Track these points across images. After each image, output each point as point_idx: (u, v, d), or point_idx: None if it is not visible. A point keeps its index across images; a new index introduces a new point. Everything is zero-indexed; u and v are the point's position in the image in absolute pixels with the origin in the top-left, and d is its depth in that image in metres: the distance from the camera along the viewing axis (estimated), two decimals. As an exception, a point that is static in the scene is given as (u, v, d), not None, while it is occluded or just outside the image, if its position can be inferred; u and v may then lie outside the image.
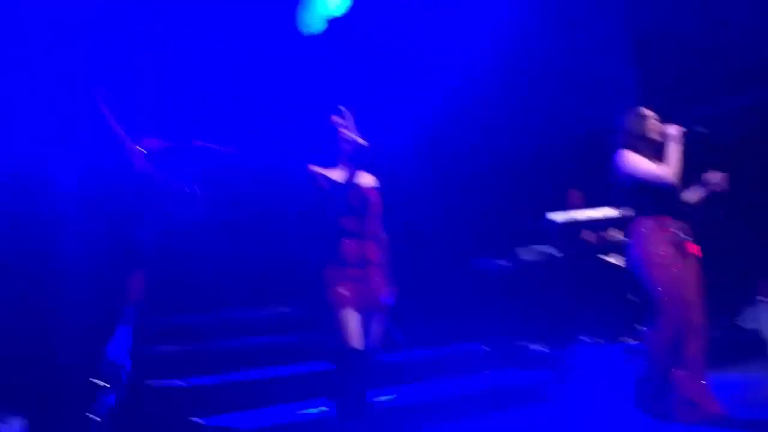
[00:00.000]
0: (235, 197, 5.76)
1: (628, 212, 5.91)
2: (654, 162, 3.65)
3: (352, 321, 3.12)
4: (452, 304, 6.92)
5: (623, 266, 6.34)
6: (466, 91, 8.95)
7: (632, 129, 3.72)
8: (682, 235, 3.64)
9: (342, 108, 3.40)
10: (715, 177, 3.87)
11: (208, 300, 5.21)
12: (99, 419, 2.26)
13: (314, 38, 6.28)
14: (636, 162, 3.62)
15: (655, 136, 3.70)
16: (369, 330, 3.22)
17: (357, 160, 3.20)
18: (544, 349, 5.98)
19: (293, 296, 5.43)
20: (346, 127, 3.32)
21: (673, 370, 3.51)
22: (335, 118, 3.35)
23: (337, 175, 3.26)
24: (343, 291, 3.12)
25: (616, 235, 6.15)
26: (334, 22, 6.28)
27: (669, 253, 3.57)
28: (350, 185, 3.19)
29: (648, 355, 3.58)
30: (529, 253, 6.35)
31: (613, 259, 6.45)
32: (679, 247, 3.61)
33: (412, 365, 5.14)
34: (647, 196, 3.63)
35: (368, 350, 3.23)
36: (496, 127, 8.97)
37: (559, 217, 6.05)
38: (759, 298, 7.22)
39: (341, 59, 6.63)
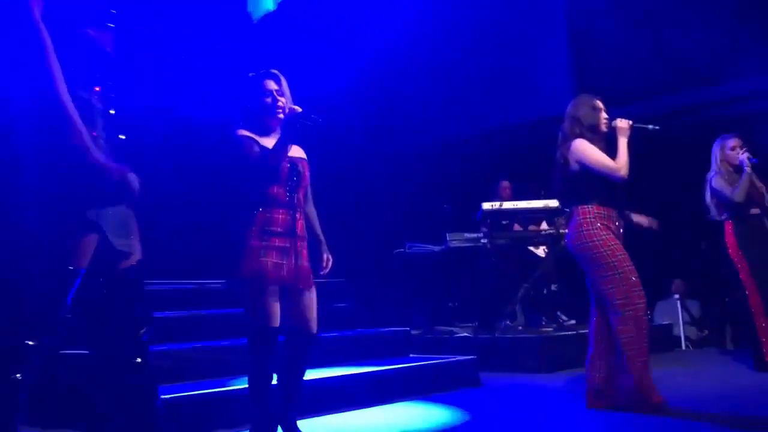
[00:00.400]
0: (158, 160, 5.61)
1: (557, 204, 6.09)
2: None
3: (272, 296, 2.98)
4: (380, 287, 6.93)
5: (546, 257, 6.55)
6: (400, 78, 8.95)
7: (585, 119, 3.73)
8: (621, 230, 3.71)
9: (275, 72, 3.24)
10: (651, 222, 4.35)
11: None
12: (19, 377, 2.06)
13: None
14: (591, 152, 3.64)
15: (605, 129, 3.75)
16: (300, 307, 3.11)
17: (289, 128, 3.04)
18: (469, 335, 6.06)
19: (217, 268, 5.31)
20: (279, 93, 3.18)
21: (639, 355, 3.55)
22: (268, 83, 3.19)
23: (267, 142, 3.12)
24: (267, 262, 2.98)
25: (547, 228, 6.29)
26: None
27: (611, 238, 3.62)
28: (282, 153, 3.05)
29: (619, 343, 3.58)
30: (458, 240, 6.41)
31: (540, 251, 6.58)
32: (619, 239, 3.67)
33: (336, 347, 5.10)
34: (595, 186, 3.66)
35: (301, 328, 3.12)
36: (432, 116, 9.02)
37: (489, 206, 6.10)
38: (673, 295, 7.54)
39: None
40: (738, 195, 4.81)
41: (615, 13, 7.98)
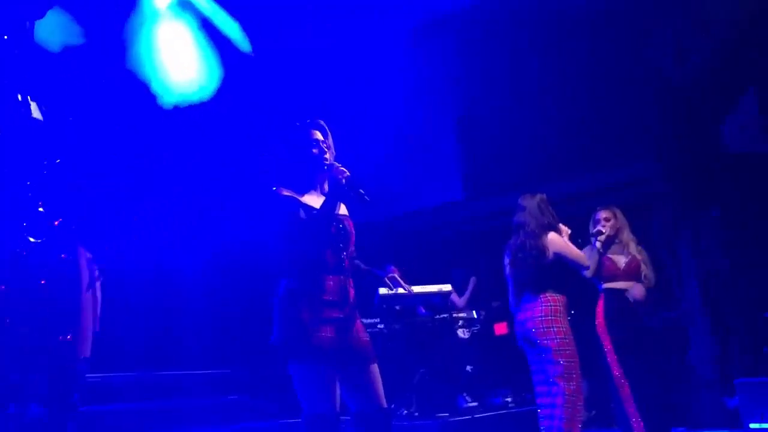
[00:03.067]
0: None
1: (450, 288, 6.24)
2: None
3: (331, 376, 2.64)
4: (273, 376, 6.73)
5: (467, 338, 6.68)
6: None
7: (546, 217, 4.06)
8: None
9: (322, 123, 2.97)
10: None
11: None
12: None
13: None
14: (567, 245, 3.94)
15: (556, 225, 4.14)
16: (367, 382, 2.77)
17: (337, 188, 2.74)
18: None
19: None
20: (326, 145, 2.91)
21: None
22: (315, 133, 2.90)
23: (309, 200, 2.83)
24: (322, 337, 2.63)
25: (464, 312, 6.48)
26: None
27: (569, 330, 3.93)
28: (333, 214, 2.75)
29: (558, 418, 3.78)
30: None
31: (461, 333, 6.73)
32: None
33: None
34: (563, 276, 3.92)
35: (373, 406, 2.77)
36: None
37: (385, 291, 6.14)
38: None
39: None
40: (589, 270, 4.65)
41: (497, 107, 8.53)
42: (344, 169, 2.79)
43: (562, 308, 3.91)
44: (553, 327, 3.85)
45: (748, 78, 7.88)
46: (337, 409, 2.65)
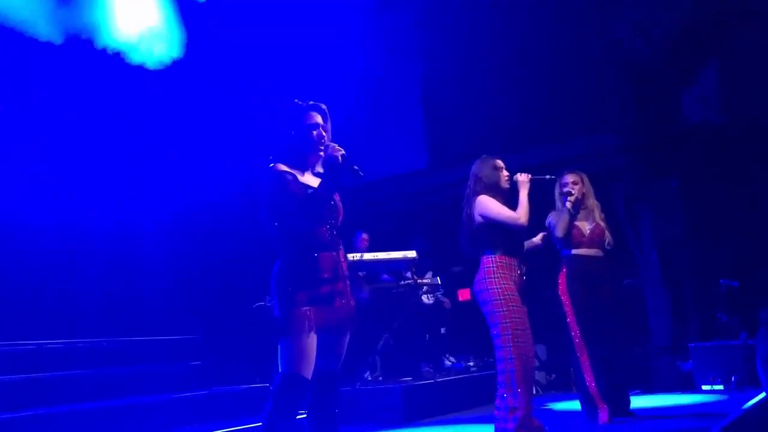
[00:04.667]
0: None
1: (414, 255, 6.27)
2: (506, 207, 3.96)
3: (311, 346, 2.75)
4: (238, 343, 6.71)
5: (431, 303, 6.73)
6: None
7: (486, 178, 4.01)
8: (523, 276, 3.90)
9: (323, 106, 2.99)
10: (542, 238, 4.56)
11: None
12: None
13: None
14: (492, 205, 3.91)
15: (506, 185, 4.03)
16: (333, 349, 2.89)
17: (332, 170, 2.80)
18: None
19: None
20: (324, 128, 2.95)
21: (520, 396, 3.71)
22: (315, 116, 2.93)
23: (305, 179, 2.88)
24: (316, 313, 2.76)
25: (428, 278, 6.52)
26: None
27: (513, 289, 3.84)
28: (329, 196, 2.83)
29: (502, 380, 3.74)
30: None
31: (425, 299, 6.77)
32: (519, 286, 3.88)
33: (189, 407, 4.86)
34: (497, 237, 3.89)
35: (330, 371, 2.91)
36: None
37: (350, 257, 6.15)
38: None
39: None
40: (558, 230, 4.69)
41: (461, 81, 8.54)
42: (340, 148, 2.86)
43: (501, 269, 3.82)
44: (489, 288, 3.80)
45: (708, 51, 8.00)
46: (309, 375, 2.78)
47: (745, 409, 4.76)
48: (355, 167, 2.82)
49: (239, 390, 5.41)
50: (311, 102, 2.98)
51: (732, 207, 7.54)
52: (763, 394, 5.40)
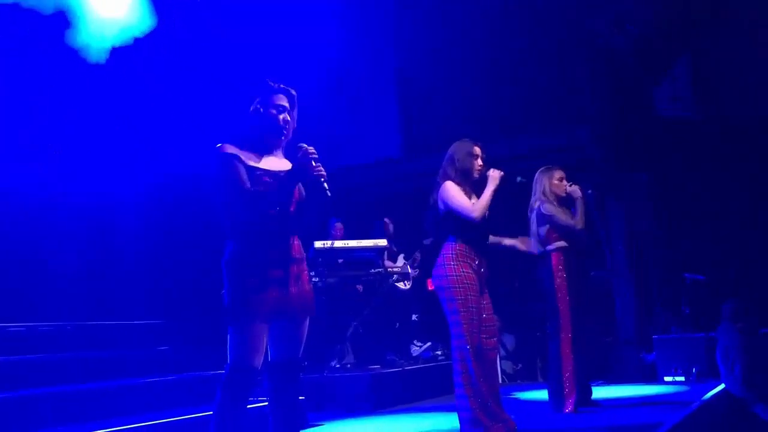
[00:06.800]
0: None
1: (385, 243, 6.29)
2: (470, 197, 3.91)
3: (261, 335, 2.68)
4: (205, 328, 6.67)
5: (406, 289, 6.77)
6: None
7: (459, 163, 3.95)
8: (482, 269, 3.87)
9: (292, 90, 2.87)
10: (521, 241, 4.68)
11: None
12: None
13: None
14: (453, 193, 3.86)
15: (477, 175, 3.97)
16: (289, 336, 2.82)
17: (301, 173, 2.71)
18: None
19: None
20: (290, 113, 2.84)
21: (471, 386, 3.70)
22: (281, 97, 2.83)
23: (262, 163, 2.77)
24: (265, 298, 2.68)
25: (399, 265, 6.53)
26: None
27: (472, 277, 3.80)
28: (286, 199, 2.73)
29: (458, 372, 3.73)
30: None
31: (400, 285, 6.80)
32: (479, 276, 3.84)
33: (155, 393, 4.84)
34: (459, 225, 3.86)
35: (290, 359, 2.84)
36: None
37: (321, 244, 6.15)
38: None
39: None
40: (579, 222, 4.80)
41: (436, 71, 8.54)
42: (321, 169, 2.74)
43: (461, 257, 3.79)
44: (448, 274, 3.75)
45: (681, 46, 8.10)
46: (258, 365, 2.72)
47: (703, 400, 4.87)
48: (326, 186, 2.73)
49: (207, 376, 5.38)
50: (281, 85, 2.87)
51: (700, 202, 7.68)
52: (722, 386, 5.54)
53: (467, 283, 3.77)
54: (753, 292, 6.69)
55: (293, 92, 2.88)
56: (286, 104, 2.85)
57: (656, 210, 7.87)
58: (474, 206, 3.85)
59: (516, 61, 8.00)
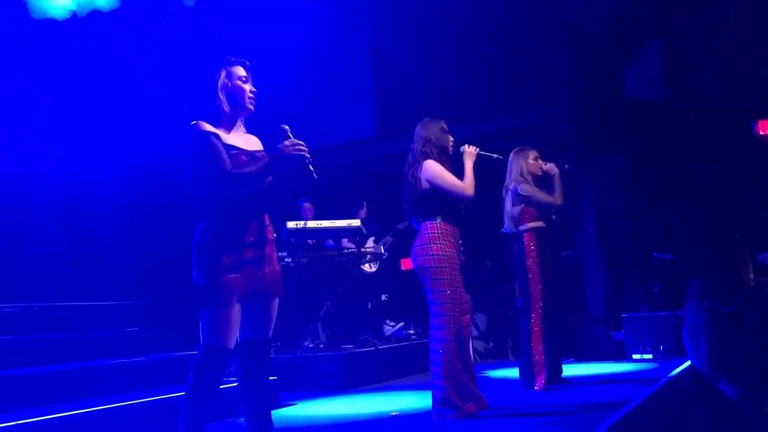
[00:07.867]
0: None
1: (359, 223, 6.28)
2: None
3: (234, 316, 2.69)
4: (177, 309, 6.62)
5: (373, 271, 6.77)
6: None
7: (437, 140, 3.93)
8: (461, 248, 3.90)
9: (247, 63, 2.89)
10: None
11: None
12: None
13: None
14: (441, 172, 3.84)
15: (450, 150, 3.99)
16: (259, 317, 2.83)
17: (279, 160, 2.72)
18: (271, 354, 5.96)
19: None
20: (250, 81, 2.86)
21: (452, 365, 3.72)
22: (239, 69, 2.84)
23: (232, 139, 2.76)
24: (237, 278, 2.67)
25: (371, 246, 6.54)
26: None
27: (455, 256, 3.81)
28: (261, 179, 2.74)
29: (438, 349, 3.74)
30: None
31: (367, 267, 6.79)
32: (459, 255, 3.87)
33: (127, 374, 4.79)
34: (442, 204, 3.86)
35: (260, 340, 2.85)
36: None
37: (293, 225, 6.12)
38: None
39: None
40: (558, 198, 4.86)
41: (411, 51, 8.50)
42: (304, 147, 2.75)
43: (445, 236, 3.80)
44: (434, 253, 3.75)
45: (653, 29, 8.15)
46: (233, 346, 2.73)
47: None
48: (311, 168, 2.75)
49: (176, 357, 5.34)
50: (238, 58, 2.89)
51: (670, 183, 7.79)
52: (688, 363, 5.66)
53: (453, 263, 3.78)
54: (719, 271, 6.82)
55: (248, 63, 2.92)
56: (248, 75, 2.89)
57: (627, 190, 7.96)
58: (465, 184, 3.86)
59: (489, 42, 7.99)
